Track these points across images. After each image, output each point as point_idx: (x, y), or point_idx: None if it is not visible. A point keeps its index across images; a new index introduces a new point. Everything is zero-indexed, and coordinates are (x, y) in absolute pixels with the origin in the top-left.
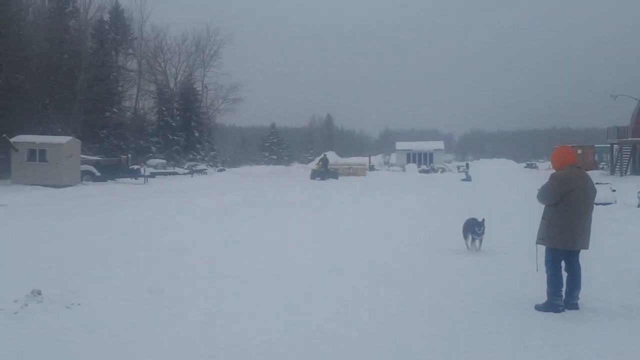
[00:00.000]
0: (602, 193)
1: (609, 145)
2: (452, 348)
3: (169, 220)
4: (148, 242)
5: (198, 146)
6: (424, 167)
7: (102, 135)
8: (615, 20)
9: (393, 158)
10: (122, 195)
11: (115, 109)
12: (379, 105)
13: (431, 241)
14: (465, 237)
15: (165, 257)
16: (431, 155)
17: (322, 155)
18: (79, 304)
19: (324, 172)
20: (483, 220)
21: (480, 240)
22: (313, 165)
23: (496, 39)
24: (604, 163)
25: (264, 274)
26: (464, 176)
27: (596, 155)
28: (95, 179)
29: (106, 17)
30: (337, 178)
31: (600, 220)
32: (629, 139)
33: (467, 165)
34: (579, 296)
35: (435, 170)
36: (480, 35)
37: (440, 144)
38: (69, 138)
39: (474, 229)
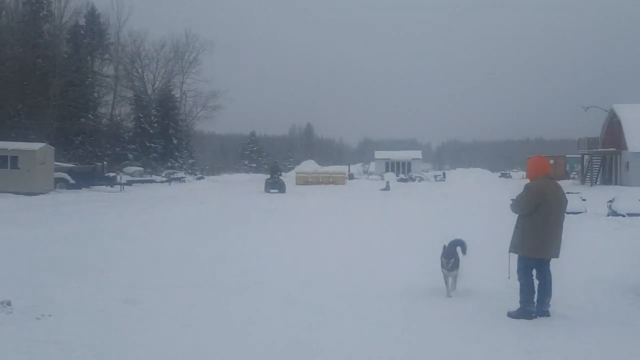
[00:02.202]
0: (572, 202)
1: (580, 156)
2: (427, 356)
3: (145, 230)
4: (123, 251)
5: (176, 154)
6: (402, 175)
7: (76, 142)
8: (588, 34)
9: (372, 167)
10: (97, 204)
11: (90, 115)
12: (358, 114)
13: (405, 251)
14: (442, 267)
15: (141, 266)
16: (409, 164)
17: (272, 164)
18: (50, 315)
19: (272, 183)
20: (457, 245)
21: (454, 278)
22: (292, 174)
23: (472, 51)
24: (575, 173)
25: (241, 284)
26: (383, 186)
27: (567, 165)
28: (69, 186)
29: (82, 21)
30: (284, 191)
31: (571, 229)
32: (599, 149)
33: (444, 174)
34: (550, 303)
35: (413, 179)
36: (457, 47)
37: (418, 154)
38: (42, 144)
39: (442, 259)
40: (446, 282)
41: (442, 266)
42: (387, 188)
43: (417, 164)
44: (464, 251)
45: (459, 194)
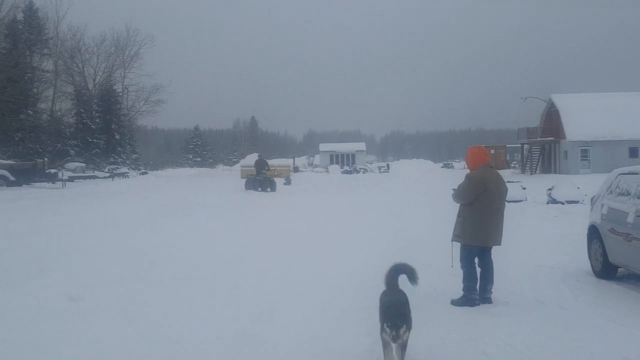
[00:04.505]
0: (513, 191)
1: (520, 145)
2: (374, 344)
3: (87, 226)
4: (65, 248)
5: (119, 149)
6: (346, 167)
7: (16, 139)
8: (526, 25)
9: (317, 159)
10: (39, 201)
11: (30, 111)
12: (303, 107)
13: (351, 242)
14: (382, 332)
15: (84, 263)
16: (353, 156)
17: (257, 157)
18: None
19: (259, 181)
20: (400, 274)
21: (402, 347)
22: (238, 167)
23: (413, 43)
24: (515, 162)
25: (188, 277)
26: (284, 180)
27: (508, 155)
28: (9, 183)
29: (20, 16)
30: (275, 189)
31: (512, 217)
32: (538, 139)
33: (388, 165)
34: (492, 290)
35: (357, 171)
36: (398, 39)
37: (362, 145)
38: None
39: (384, 323)
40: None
41: (382, 332)
42: (288, 182)
43: (361, 155)
44: (413, 280)
45: (397, 184)
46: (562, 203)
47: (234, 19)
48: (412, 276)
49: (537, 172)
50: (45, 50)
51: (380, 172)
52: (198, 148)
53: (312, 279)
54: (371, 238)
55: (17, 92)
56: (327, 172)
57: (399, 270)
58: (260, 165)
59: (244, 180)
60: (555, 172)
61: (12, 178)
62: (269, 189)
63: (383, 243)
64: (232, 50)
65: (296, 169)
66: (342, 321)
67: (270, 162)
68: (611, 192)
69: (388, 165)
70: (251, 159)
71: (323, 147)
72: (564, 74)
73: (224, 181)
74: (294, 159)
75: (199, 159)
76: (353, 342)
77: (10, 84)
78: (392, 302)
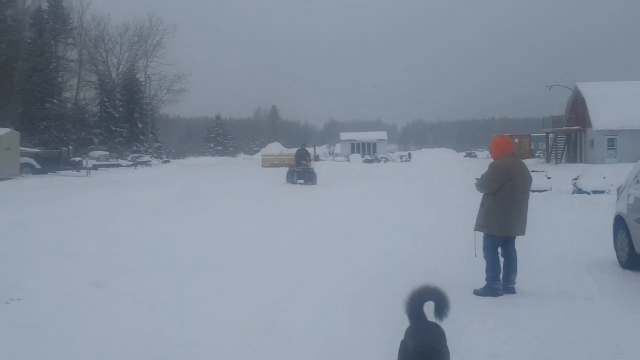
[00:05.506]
0: (538, 180)
1: (545, 134)
2: (394, 334)
3: (111, 213)
4: (89, 234)
5: (142, 137)
6: (367, 157)
7: (42, 127)
8: (551, 12)
9: (338, 148)
10: (63, 188)
11: (55, 100)
12: (324, 96)
13: (371, 231)
14: None
15: (107, 249)
16: (374, 145)
17: (300, 147)
18: (18, 299)
19: (299, 172)
20: (426, 299)
21: None
22: (259, 156)
23: (436, 32)
24: (540, 151)
25: (207, 265)
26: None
27: (532, 144)
28: (35, 171)
29: (45, 5)
30: (315, 182)
31: (536, 207)
32: (564, 128)
33: (409, 154)
34: (516, 280)
35: (378, 160)
36: (421, 28)
37: (383, 134)
38: (7, 130)
39: None
40: None
41: None
42: None
43: (382, 144)
44: (441, 311)
45: (419, 174)
46: (588, 193)
47: (255, 8)
48: (442, 305)
49: (563, 161)
50: (70, 40)
51: (401, 162)
52: (219, 137)
53: (329, 267)
54: (392, 227)
55: (42, 81)
56: (348, 161)
57: (423, 296)
58: (301, 155)
59: (266, 168)
60: (580, 162)
61: (37, 166)
62: (310, 182)
63: (404, 232)
64: (253, 39)
65: (317, 158)
66: (358, 310)
67: (291, 150)
68: (638, 182)
69: (409, 154)
70: (272, 147)
71: (344, 136)
72: (591, 61)
73: (245, 170)
74: (314, 148)
75: (220, 148)
76: (369, 330)
77: (35, 73)
78: (424, 353)
